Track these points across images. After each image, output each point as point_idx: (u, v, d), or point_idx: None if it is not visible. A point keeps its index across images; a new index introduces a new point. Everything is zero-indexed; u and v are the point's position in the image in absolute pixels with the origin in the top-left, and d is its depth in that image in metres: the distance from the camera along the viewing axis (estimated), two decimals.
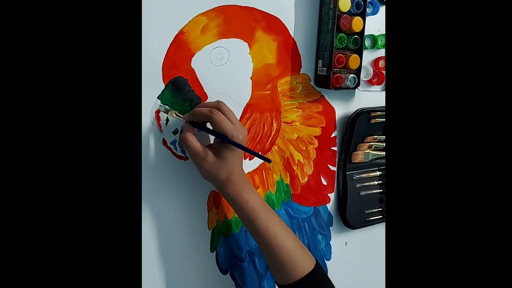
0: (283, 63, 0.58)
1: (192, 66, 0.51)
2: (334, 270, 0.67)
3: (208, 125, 0.50)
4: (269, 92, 0.58)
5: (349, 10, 0.57)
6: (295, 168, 0.62)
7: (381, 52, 0.65)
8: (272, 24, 0.56)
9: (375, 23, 0.63)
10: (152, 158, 0.51)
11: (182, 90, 0.51)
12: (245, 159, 0.58)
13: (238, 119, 0.55)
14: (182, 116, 0.49)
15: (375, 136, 0.67)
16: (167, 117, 0.51)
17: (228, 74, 0.54)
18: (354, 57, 0.59)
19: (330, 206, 0.67)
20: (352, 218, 0.67)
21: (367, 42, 0.63)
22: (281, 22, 0.56)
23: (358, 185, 0.68)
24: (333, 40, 0.56)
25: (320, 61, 0.59)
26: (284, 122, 0.60)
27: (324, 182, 0.66)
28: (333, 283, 0.50)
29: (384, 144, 0.68)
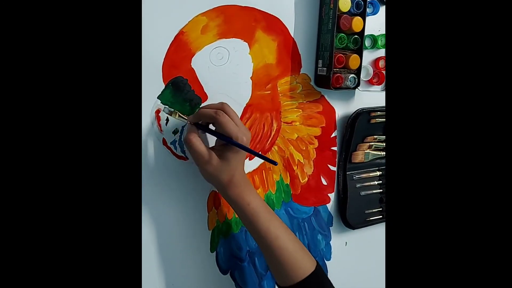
0: (283, 63, 0.58)
1: (192, 66, 0.51)
2: (334, 270, 0.67)
3: (211, 127, 0.50)
4: (269, 92, 0.58)
5: (349, 10, 0.57)
6: (295, 168, 0.62)
7: (381, 52, 0.65)
8: (272, 24, 0.56)
9: (375, 23, 0.63)
10: (152, 158, 0.51)
11: (182, 90, 0.51)
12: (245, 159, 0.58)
13: None
14: (186, 117, 0.49)
15: (375, 136, 0.67)
16: (167, 117, 0.51)
17: (228, 74, 0.54)
18: (354, 57, 0.59)
19: (330, 206, 0.67)
20: (352, 218, 0.67)
21: (367, 42, 0.63)
22: (281, 22, 0.56)
23: (358, 185, 0.68)
24: (333, 40, 0.56)
25: (320, 61, 0.59)
26: (284, 122, 0.60)
27: (324, 182, 0.66)
28: (333, 283, 0.50)
29: (384, 144, 0.68)
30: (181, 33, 0.50)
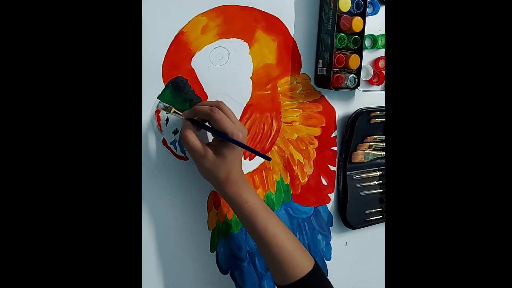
0: (283, 63, 0.58)
1: (192, 66, 0.51)
2: (334, 270, 0.67)
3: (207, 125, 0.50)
4: (269, 92, 0.58)
5: (349, 10, 0.57)
6: (295, 168, 0.62)
7: (381, 52, 0.65)
8: (272, 24, 0.56)
9: (375, 23, 0.63)
10: (152, 158, 0.51)
11: (182, 90, 0.51)
12: (245, 159, 0.58)
13: (238, 119, 0.55)
14: (181, 113, 0.49)
15: (375, 136, 0.67)
16: (167, 117, 0.51)
17: (228, 74, 0.54)
18: (354, 57, 0.59)
19: (330, 206, 0.67)
20: (352, 218, 0.67)
21: (367, 42, 0.63)
22: (281, 22, 0.56)
23: (358, 185, 0.68)
24: (333, 40, 0.56)
25: (320, 61, 0.59)
26: (284, 122, 0.60)
27: (324, 182, 0.66)
28: (333, 283, 0.50)
29: (384, 144, 0.68)
30: (181, 33, 0.50)
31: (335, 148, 0.66)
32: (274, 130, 0.59)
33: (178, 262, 0.55)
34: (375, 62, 0.65)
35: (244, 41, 0.54)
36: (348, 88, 0.60)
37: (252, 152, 0.51)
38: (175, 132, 0.52)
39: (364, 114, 0.64)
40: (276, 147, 0.60)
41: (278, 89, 0.58)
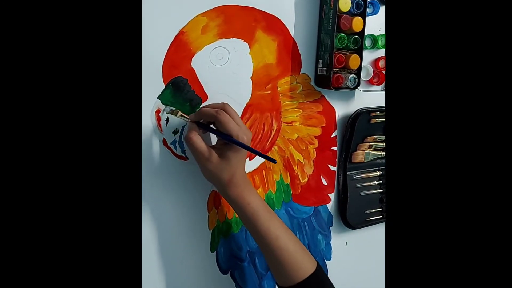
0: (283, 63, 0.58)
1: (192, 66, 0.51)
2: (334, 270, 0.67)
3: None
4: (269, 92, 0.58)
5: (349, 10, 0.57)
6: (295, 168, 0.62)
7: (381, 52, 0.65)
8: (272, 24, 0.56)
9: (375, 23, 0.63)
10: (152, 158, 0.51)
11: (182, 90, 0.51)
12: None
13: None
14: (187, 116, 0.49)
15: (375, 136, 0.67)
16: (167, 117, 0.51)
17: (228, 74, 0.54)
18: (354, 57, 0.59)
19: (330, 206, 0.67)
20: (352, 218, 0.67)
21: (367, 42, 0.63)
22: (281, 22, 0.56)
23: (358, 185, 0.68)
24: (333, 40, 0.56)
25: (320, 61, 0.59)
26: (284, 122, 0.60)
27: (324, 182, 0.66)
28: (333, 283, 0.50)
29: (384, 144, 0.68)
30: (181, 33, 0.50)
31: (335, 148, 0.66)
32: (274, 130, 0.59)
33: (178, 262, 0.55)
34: (375, 62, 0.65)
35: (244, 41, 0.54)
36: (348, 88, 0.60)
37: (257, 154, 0.51)
38: (175, 132, 0.52)
39: (364, 114, 0.64)
40: (276, 147, 0.60)
41: (278, 89, 0.58)
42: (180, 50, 0.50)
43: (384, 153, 0.69)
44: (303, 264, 0.49)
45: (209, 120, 0.48)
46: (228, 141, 0.47)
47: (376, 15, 0.63)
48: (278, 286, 0.51)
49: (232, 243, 0.59)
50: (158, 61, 0.49)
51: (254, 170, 0.59)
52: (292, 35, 0.58)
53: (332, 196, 0.67)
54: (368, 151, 0.67)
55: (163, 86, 0.50)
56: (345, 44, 0.58)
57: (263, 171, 0.60)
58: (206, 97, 0.53)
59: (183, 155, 0.53)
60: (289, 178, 0.62)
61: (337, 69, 0.58)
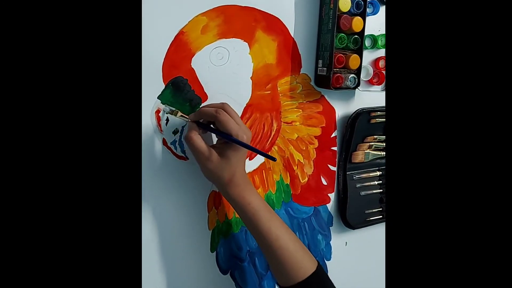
0: (283, 63, 0.58)
1: (192, 66, 0.51)
2: (334, 270, 0.67)
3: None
4: (269, 92, 0.58)
5: (349, 10, 0.57)
6: (295, 168, 0.62)
7: (381, 52, 0.65)
8: (272, 24, 0.56)
9: (375, 23, 0.63)
10: (152, 158, 0.51)
11: (182, 90, 0.51)
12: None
13: None
14: (187, 116, 0.49)
15: (375, 136, 0.67)
16: (167, 117, 0.51)
17: (228, 74, 0.54)
18: (354, 57, 0.59)
19: (330, 206, 0.67)
20: (352, 218, 0.67)
21: (367, 42, 0.63)
22: (281, 22, 0.56)
23: (358, 185, 0.68)
24: (333, 40, 0.56)
25: (320, 61, 0.59)
26: (284, 122, 0.60)
27: (324, 182, 0.66)
28: (333, 283, 0.50)
29: (384, 144, 0.68)
30: (181, 33, 0.50)
31: (335, 148, 0.66)
32: (274, 130, 0.59)
33: (178, 262, 0.55)
34: (375, 62, 0.65)
35: (244, 41, 0.54)
36: (348, 88, 0.60)
37: (257, 152, 0.51)
38: (175, 132, 0.52)
39: (364, 114, 0.64)
40: (276, 147, 0.60)
41: (278, 89, 0.58)
42: (180, 50, 0.50)
43: (384, 153, 0.69)
44: (304, 264, 0.49)
45: (209, 120, 0.49)
46: (228, 140, 0.47)
47: (376, 15, 0.63)
48: (278, 286, 0.51)
49: (232, 243, 0.59)
50: (158, 61, 0.49)
51: (254, 170, 0.59)
52: (292, 35, 0.58)
53: (332, 196, 0.67)
54: (368, 151, 0.67)
55: (163, 86, 0.50)
56: (345, 44, 0.58)
57: (263, 171, 0.60)
58: (206, 97, 0.53)
59: (183, 155, 0.53)
60: (289, 178, 0.62)
61: (337, 69, 0.58)
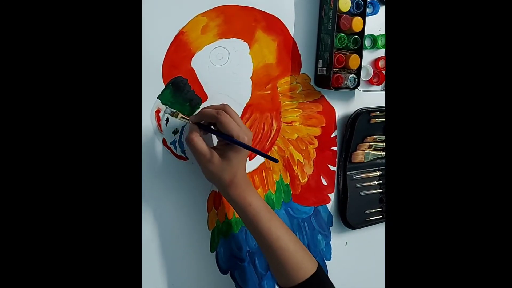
0: (283, 63, 0.58)
1: (192, 66, 0.51)
2: (334, 270, 0.67)
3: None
4: (269, 92, 0.58)
5: (349, 10, 0.57)
6: (295, 168, 0.62)
7: (381, 52, 0.65)
8: (272, 24, 0.56)
9: (375, 23, 0.63)
10: (152, 158, 0.51)
11: (182, 90, 0.51)
12: None
13: None
14: (188, 118, 0.49)
15: (375, 136, 0.67)
16: (167, 117, 0.51)
17: (228, 74, 0.54)
18: (354, 57, 0.59)
19: (330, 206, 0.67)
20: (352, 218, 0.67)
21: (367, 42, 0.63)
22: (281, 22, 0.56)
23: (358, 185, 0.68)
24: (333, 40, 0.56)
25: (320, 61, 0.59)
26: (284, 122, 0.60)
27: (324, 182, 0.66)
28: (333, 283, 0.50)
29: (384, 144, 0.68)
30: (181, 33, 0.50)
31: (335, 148, 0.66)
32: (274, 130, 0.59)
33: (178, 262, 0.55)
34: (375, 62, 0.65)
35: (244, 41, 0.54)
36: (348, 88, 0.60)
37: (258, 154, 0.51)
38: (175, 132, 0.52)
39: (364, 114, 0.64)
40: (276, 147, 0.60)
41: (278, 89, 0.58)
42: (180, 50, 0.50)
43: (384, 153, 0.69)
44: (304, 265, 0.49)
45: (210, 121, 0.49)
46: (229, 142, 0.47)
47: (376, 15, 0.63)
48: (278, 286, 0.51)
49: (232, 243, 0.59)
50: (158, 61, 0.49)
51: (254, 170, 0.59)
52: (292, 35, 0.58)
53: (332, 196, 0.67)
54: (368, 151, 0.67)
55: (163, 86, 0.50)
56: (345, 44, 0.58)
57: (263, 171, 0.60)
58: (206, 97, 0.53)
59: (183, 155, 0.53)
60: (289, 178, 0.62)
61: (337, 69, 0.58)
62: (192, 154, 0.50)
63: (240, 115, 0.56)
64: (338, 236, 0.69)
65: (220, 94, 0.54)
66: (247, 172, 0.58)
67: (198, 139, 0.47)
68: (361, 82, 0.61)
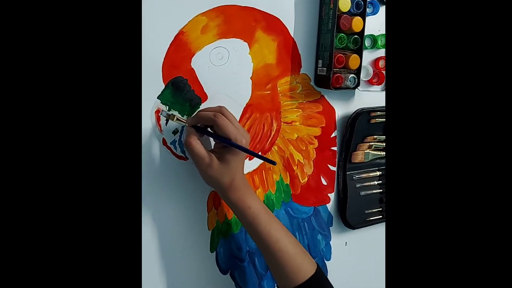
0: (283, 63, 0.58)
1: (192, 66, 0.51)
2: (334, 270, 0.67)
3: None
4: (269, 92, 0.58)
5: (349, 10, 0.57)
6: (295, 168, 0.62)
7: (381, 52, 0.65)
8: (272, 24, 0.56)
9: (375, 23, 0.63)
10: (152, 158, 0.51)
11: (182, 90, 0.51)
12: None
13: (238, 119, 0.55)
14: (184, 120, 0.49)
15: (375, 136, 0.67)
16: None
17: (228, 74, 0.54)
18: (354, 57, 0.59)
19: (330, 206, 0.67)
20: (352, 218, 0.67)
21: (367, 42, 0.63)
22: (281, 22, 0.56)
23: (358, 185, 0.68)
24: (333, 40, 0.56)
25: (320, 61, 0.59)
26: (284, 122, 0.60)
27: (324, 182, 0.66)
28: (333, 283, 0.50)
29: (384, 144, 0.68)
30: (181, 33, 0.50)
31: (335, 148, 0.66)
32: (274, 130, 0.59)
33: (178, 262, 0.55)
34: (375, 62, 0.65)
35: (244, 41, 0.54)
36: (348, 88, 0.60)
37: (256, 157, 0.51)
38: (175, 132, 0.52)
39: (364, 114, 0.64)
40: (276, 147, 0.60)
41: (278, 89, 0.58)
42: (180, 50, 0.50)
43: (384, 153, 0.69)
44: (303, 267, 0.49)
45: (207, 124, 0.48)
46: (227, 145, 0.47)
47: (376, 15, 0.63)
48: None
49: (231, 243, 0.59)
50: (158, 61, 0.49)
51: (253, 170, 0.59)
52: (292, 35, 0.58)
53: (332, 196, 0.67)
54: (368, 151, 0.67)
55: (163, 86, 0.50)
56: (345, 44, 0.58)
57: (263, 171, 0.60)
58: (206, 97, 0.53)
59: (183, 155, 0.53)
60: (288, 178, 0.62)
61: (337, 69, 0.58)
62: (190, 158, 0.49)
63: (240, 115, 0.56)
64: (338, 236, 0.69)
65: (220, 94, 0.54)
66: (246, 172, 0.58)
67: (197, 143, 0.47)
68: (361, 82, 0.61)
